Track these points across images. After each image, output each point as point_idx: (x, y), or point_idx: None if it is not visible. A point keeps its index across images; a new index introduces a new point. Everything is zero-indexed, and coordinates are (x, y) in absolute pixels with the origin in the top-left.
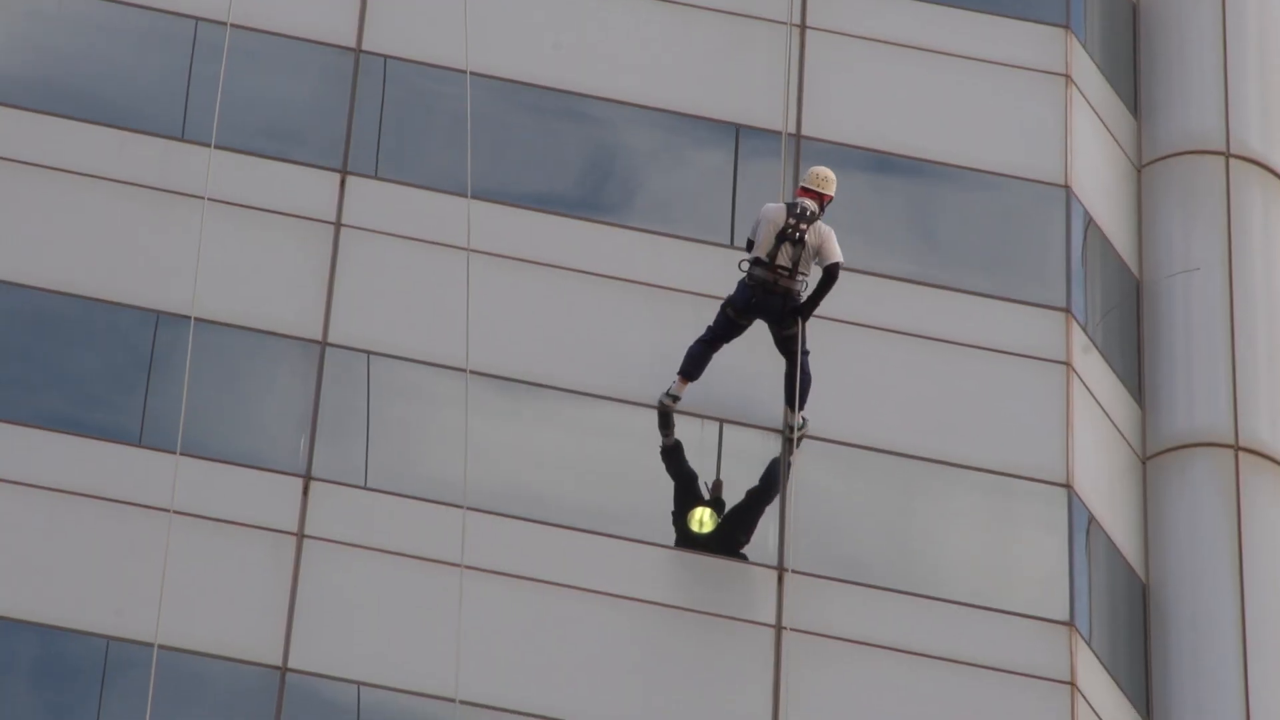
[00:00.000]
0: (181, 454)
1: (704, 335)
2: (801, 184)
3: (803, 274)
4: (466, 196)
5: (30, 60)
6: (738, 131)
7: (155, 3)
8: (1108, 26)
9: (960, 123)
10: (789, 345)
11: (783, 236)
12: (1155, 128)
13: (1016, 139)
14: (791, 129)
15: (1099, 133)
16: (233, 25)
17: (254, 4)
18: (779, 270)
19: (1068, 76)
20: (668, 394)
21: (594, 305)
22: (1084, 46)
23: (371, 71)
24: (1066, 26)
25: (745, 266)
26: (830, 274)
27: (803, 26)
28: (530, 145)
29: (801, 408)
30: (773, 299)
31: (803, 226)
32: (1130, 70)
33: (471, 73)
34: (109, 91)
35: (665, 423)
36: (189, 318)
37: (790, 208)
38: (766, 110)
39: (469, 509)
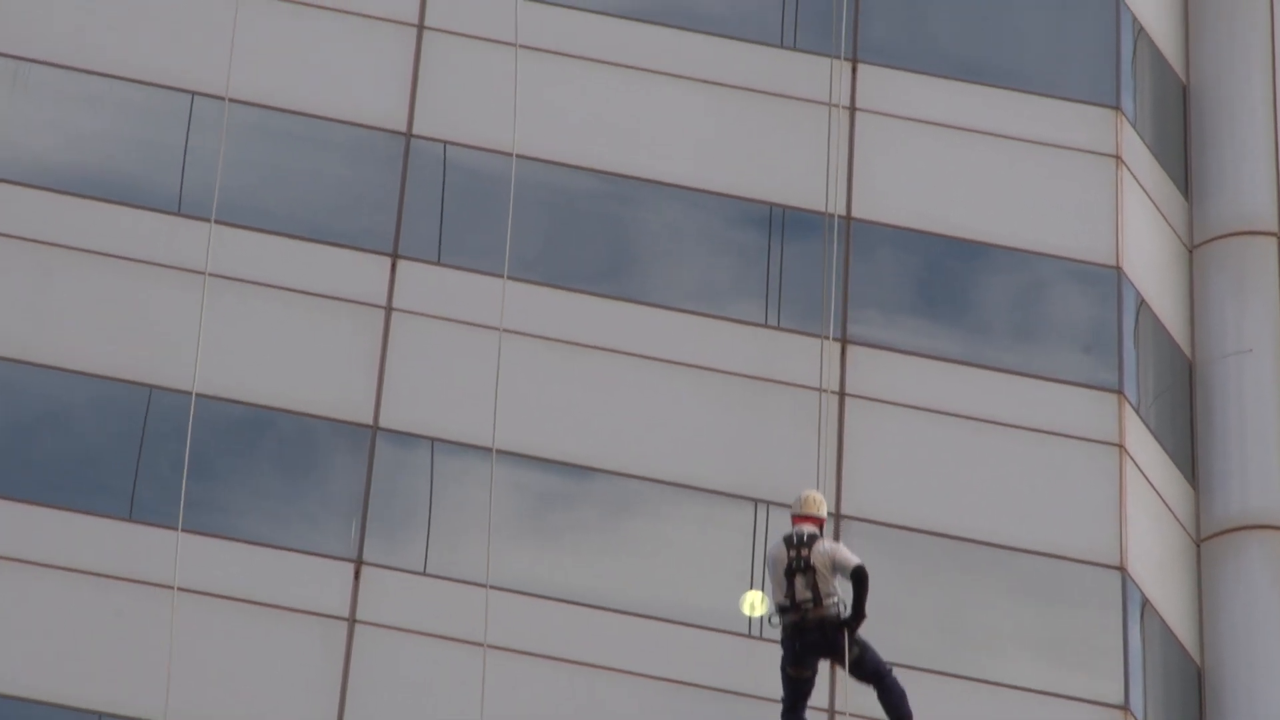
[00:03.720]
0: (232, 539)
1: (784, 706)
2: (793, 513)
3: (830, 595)
4: (503, 277)
5: (79, 147)
6: (783, 214)
7: (209, 89)
8: (1158, 106)
9: (1011, 204)
10: (863, 669)
11: (791, 571)
12: (1206, 208)
13: (1068, 220)
14: (836, 209)
15: (1150, 213)
16: (288, 111)
17: (303, 88)
18: (803, 606)
19: (1118, 158)
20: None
21: (639, 386)
22: (1134, 127)
23: (421, 155)
24: (1117, 108)
25: (776, 620)
26: (859, 579)
27: (851, 109)
28: (577, 227)
29: None
30: (814, 634)
31: (804, 552)
32: (1181, 150)
33: (518, 155)
34: (152, 175)
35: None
36: (238, 402)
37: (788, 540)
38: (813, 192)
39: (491, 588)
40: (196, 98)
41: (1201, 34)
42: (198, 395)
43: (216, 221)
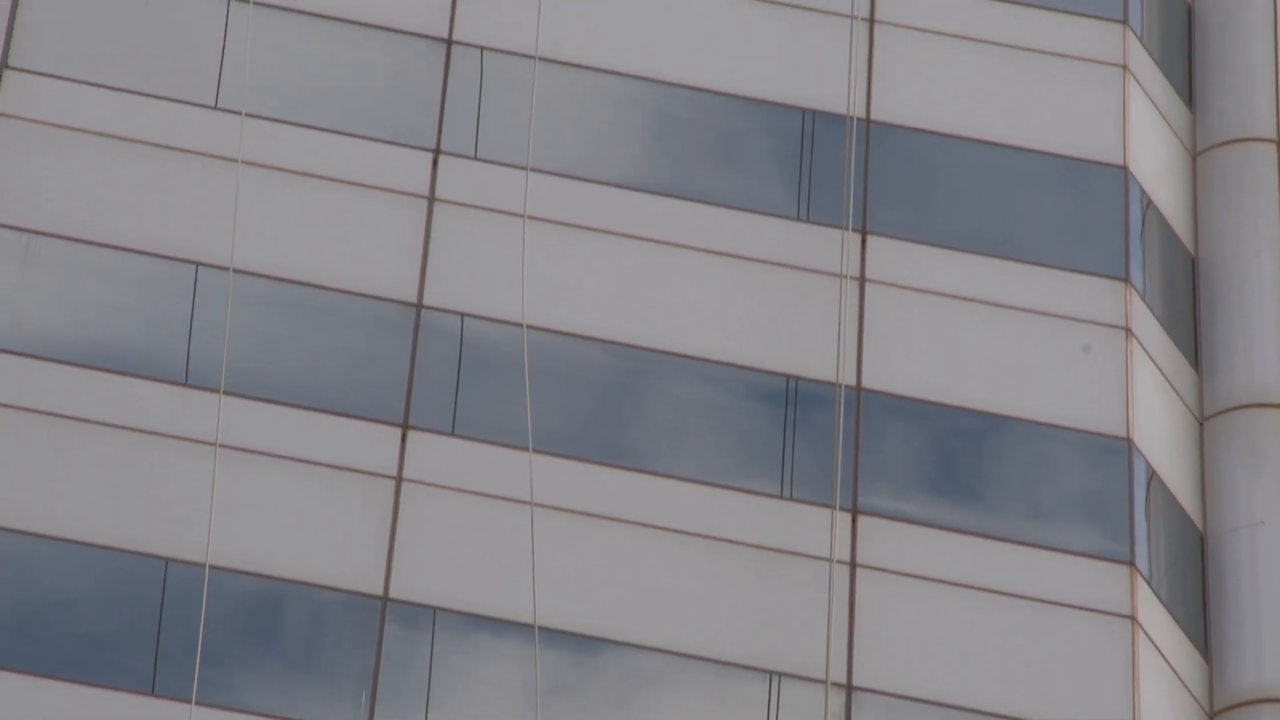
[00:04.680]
0: (245, 711)
1: None
2: None
3: None
4: (528, 450)
5: (89, 319)
6: (795, 385)
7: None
8: (1167, 279)
9: (1022, 376)
10: None
11: None
12: (1216, 381)
13: (1078, 392)
14: (847, 380)
15: (1160, 386)
16: (299, 282)
17: (314, 259)
18: None
19: (1128, 329)
20: None
21: (651, 557)
22: (1143, 299)
23: (433, 326)
24: (1126, 280)
25: None
26: None
27: (861, 280)
28: (589, 397)
29: None
30: None
31: None
32: (1190, 323)
33: (529, 326)
34: (162, 346)
35: None
36: (250, 574)
37: None
38: (826, 363)
39: None
40: (208, 270)
41: (1210, 208)
42: (211, 568)
43: (226, 393)
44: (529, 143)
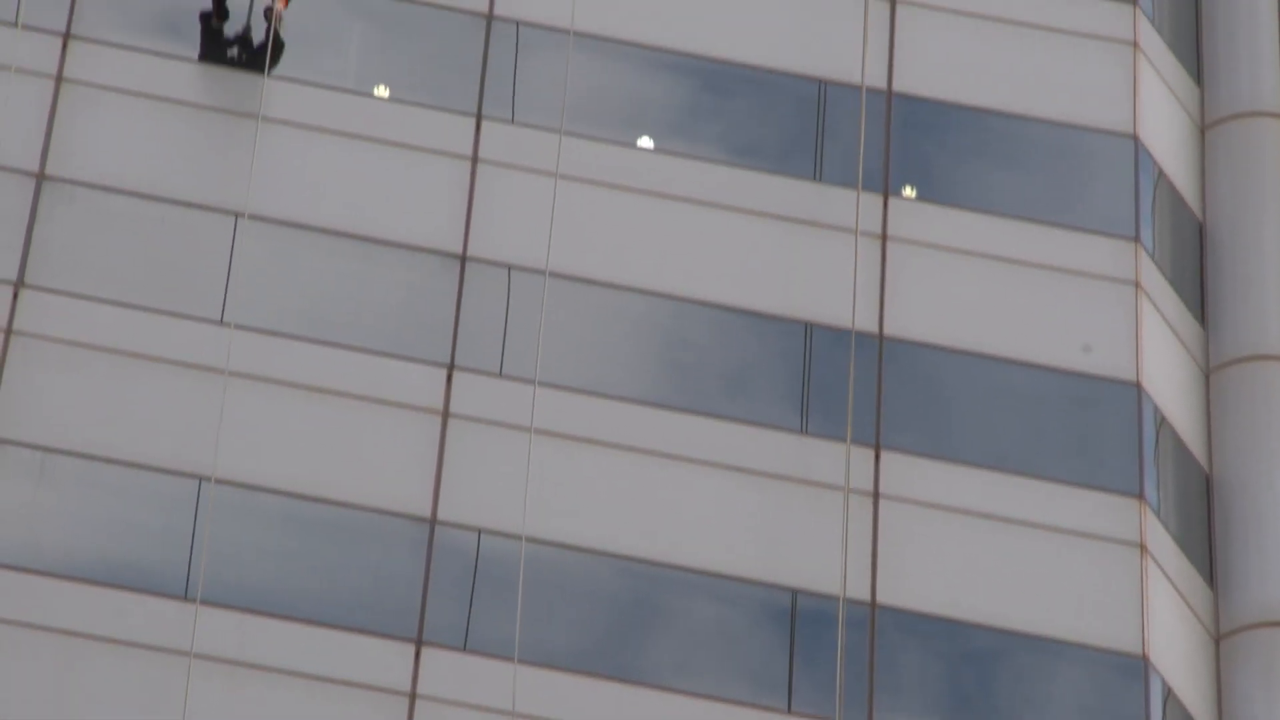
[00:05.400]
0: None
1: None
2: None
3: None
4: (514, 661)
5: (102, 535)
6: (799, 599)
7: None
8: (1181, 495)
9: (1036, 592)
10: None
11: None
12: (1232, 598)
13: (1093, 608)
14: (855, 593)
15: (1176, 603)
16: (313, 498)
17: (329, 475)
18: None
19: (1142, 546)
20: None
21: None
22: (1157, 515)
23: (446, 541)
24: (1140, 496)
25: None
26: None
27: (875, 495)
28: (596, 611)
29: None
30: None
31: None
32: (1205, 539)
33: (540, 541)
34: (174, 562)
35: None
36: None
37: None
38: (828, 574)
39: None
40: (220, 486)
41: (1224, 424)
42: None
43: (239, 609)
44: (537, 357)
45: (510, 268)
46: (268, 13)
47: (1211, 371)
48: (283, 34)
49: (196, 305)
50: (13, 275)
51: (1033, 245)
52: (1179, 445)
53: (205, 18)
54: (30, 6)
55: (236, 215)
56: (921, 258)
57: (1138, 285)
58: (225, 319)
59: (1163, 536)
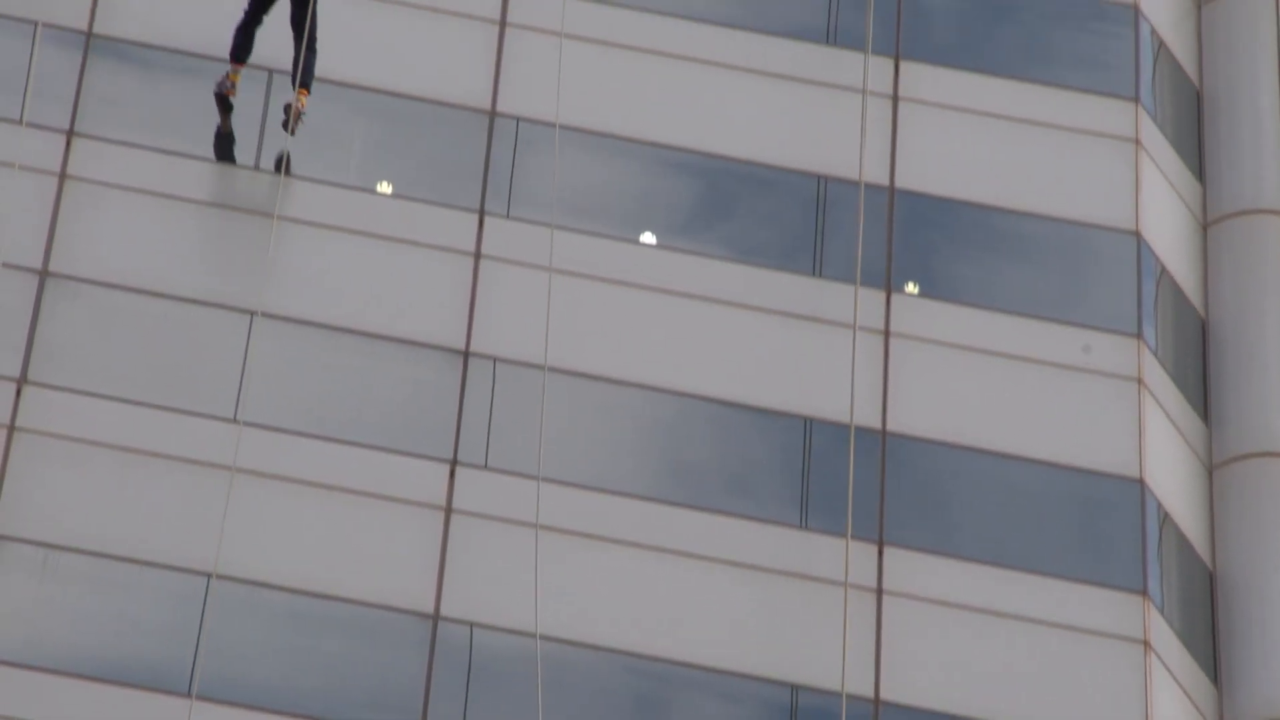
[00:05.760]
0: None
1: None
2: None
3: None
4: None
5: (106, 632)
6: (795, 690)
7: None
8: (1186, 594)
9: (1038, 689)
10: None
11: None
12: (1236, 697)
13: (1096, 707)
14: (858, 691)
15: (1182, 703)
16: (316, 594)
17: (331, 570)
18: None
19: (1146, 643)
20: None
21: None
22: (1161, 613)
23: (448, 637)
24: (1144, 592)
25: None
26: None
27: (879, 592)
28: (591, 703)
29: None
30: None
31: None
32: (1209, 637)
33: (542, 636)
34: (181, 660)
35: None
36: None
37: None
38: (830, 670)
39: None
40: (225, 582)
41: (1227, 520)
42: None
43: (243, 706)
44: (539, 453)
45: (512, 363)
46: (287, 109)
47: (1215, 468)
48: (295, 131)
49: (199, 401)
50: (15, 371)
51: (1036, 341)
52: (1183, 542)
53: (221, 98)
54: (34, 104)
55: (249, 313)
56: (924, 353)
57: (1140, 382)
58: (229, 415)
59: (1166, 633)
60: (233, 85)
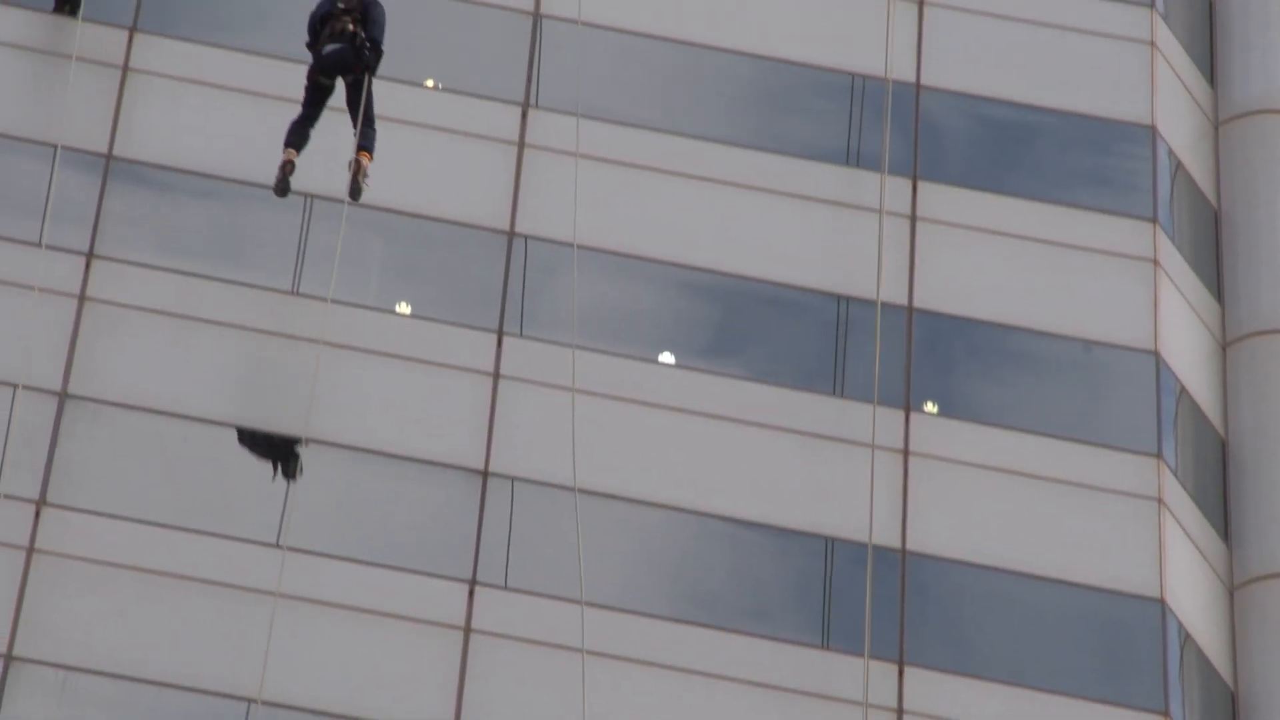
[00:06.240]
0: None
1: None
2: None
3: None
4: None
5: None
6: None
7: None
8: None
9: None
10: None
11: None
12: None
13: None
14: None
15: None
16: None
17: (351, 692)
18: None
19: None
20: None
21: None
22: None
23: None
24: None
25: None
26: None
27: (899, 714)
28: None
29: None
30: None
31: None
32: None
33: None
34: None
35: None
36: None
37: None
38: None
39: None
40: (242, 704)
41: (1248, 643)
42: None
43: None
44: (556, 571)
45: (531, 483)
46: (351, 165)
47: (1235, 588)
48: (365, 185)
49: (217, 522)
50: (35, 493)
51: (1055, 461)
52: (1204, 662)
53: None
54: (54, 227)
55: (268, 434)
56: (944, 473)
57: (1161, 501)
58: (246, 536)
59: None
60: (291, 165)
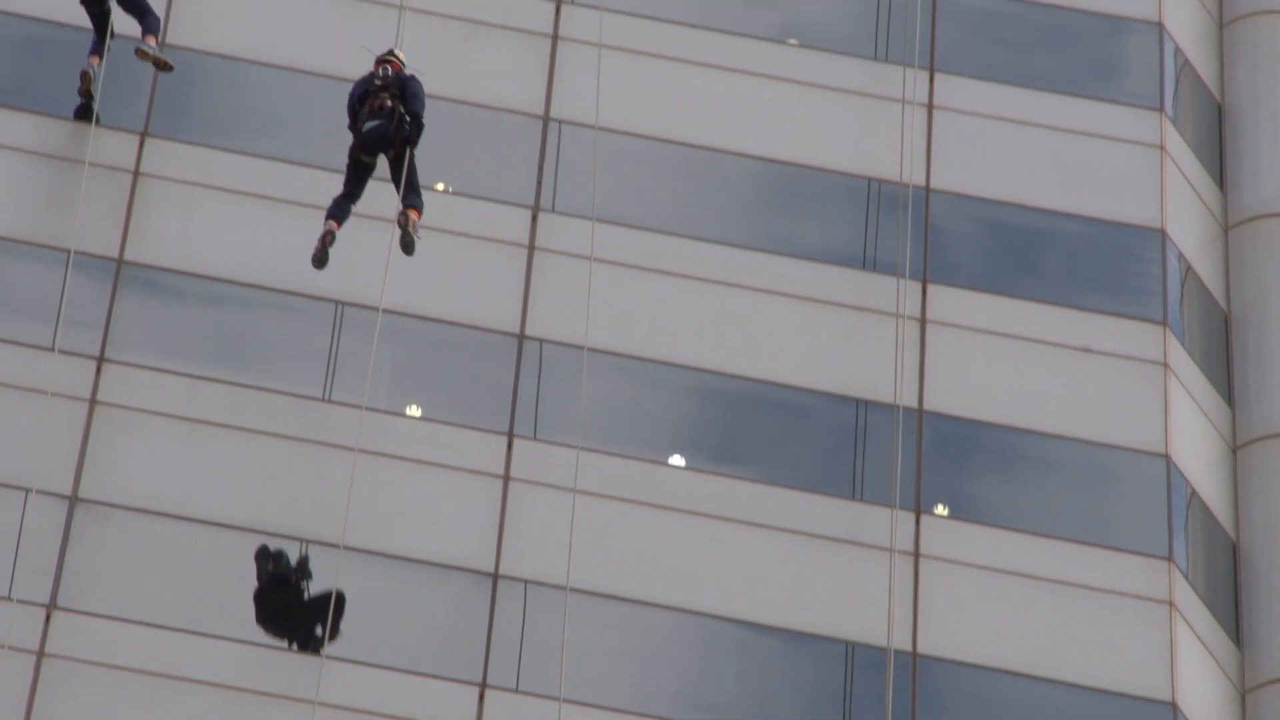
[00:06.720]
0: None
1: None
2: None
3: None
4: None
5: None
6: None
7: None
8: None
9: None
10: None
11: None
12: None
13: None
14: None
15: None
16: None
17: None
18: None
19: (1171, 604)
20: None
21: None
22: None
23: None
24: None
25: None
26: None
27: None
28: None
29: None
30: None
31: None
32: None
33: None
34: None
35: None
36: None
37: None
38: None
39: None
40: None
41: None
42: None
43: None
44: (560, 676)
45: (542, 585)
46: (400, 218)
47: (1247, 692)
48: (417, 238)
49: (227, 626)
50: (45, 597)
51: (1065, 564)
52: (1214, 665)
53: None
54: (66, 331)
55: (280, 537)
56: (954, 576)
57: (1172, 605)
58: (255, 639)
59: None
60: (332, 237)
